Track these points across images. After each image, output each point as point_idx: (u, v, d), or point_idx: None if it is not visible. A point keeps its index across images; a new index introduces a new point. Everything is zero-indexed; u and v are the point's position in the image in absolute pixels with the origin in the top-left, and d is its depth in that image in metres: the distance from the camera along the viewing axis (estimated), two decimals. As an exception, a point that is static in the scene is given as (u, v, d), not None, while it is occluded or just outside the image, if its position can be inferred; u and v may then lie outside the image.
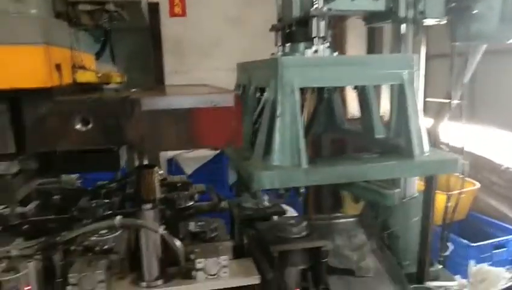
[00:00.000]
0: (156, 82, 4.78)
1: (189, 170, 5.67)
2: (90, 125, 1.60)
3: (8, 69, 1.46)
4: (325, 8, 1.94)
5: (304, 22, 2.07)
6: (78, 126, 1.60)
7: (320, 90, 2.24)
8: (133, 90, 2.02)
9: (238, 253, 2.08)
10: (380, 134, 2.33)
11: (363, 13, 2.38)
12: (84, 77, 1.85)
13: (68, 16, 1.88)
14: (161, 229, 1.84)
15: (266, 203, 2.52)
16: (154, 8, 5.67)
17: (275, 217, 2.42)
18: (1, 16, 1.47)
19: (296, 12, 2.10)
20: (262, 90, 2.33)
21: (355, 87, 2.30)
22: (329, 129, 2.60)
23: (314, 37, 1.97)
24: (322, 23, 1.97)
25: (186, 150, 2.61)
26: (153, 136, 1.64)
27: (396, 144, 2.16)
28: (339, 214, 2.90)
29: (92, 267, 1.76)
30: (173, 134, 1.65)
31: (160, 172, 2.71)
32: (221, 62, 5.44)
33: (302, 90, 1.95)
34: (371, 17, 2.45)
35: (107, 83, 2.03)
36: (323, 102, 2.28)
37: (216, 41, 6.18)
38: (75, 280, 1.71)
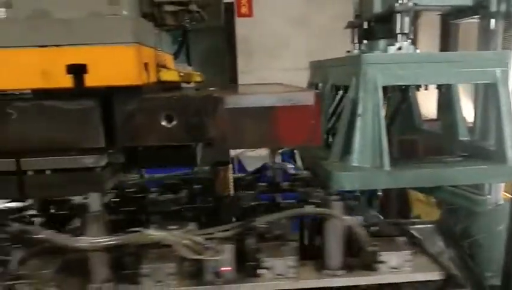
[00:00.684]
0: (230, 82, 4.88)
1: (251, 169, 5.71)
2: (174, 122, 1.65)
3: (102, 67, 1.53)
4: (410, 3, 1.85)
5: (386, 18, 2.00)
6: (164, 123, 1.65)
7: (402, 89, 2.15)
8: (212, 89, 2.05)
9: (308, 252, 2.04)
10: (463, 136, 2.20)
11: (449, 8, 2.25)
12: (167, 75, 1.91)
13: (153, 16, 1.95)
14: (349, 219, 1.87)
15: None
16: (228, 8, 5.71)
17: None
18: (96, 17, 1.55)
19: (377, 8, 2.03)
20: (337, 89, 2.29)
21: (439, 86, 2.18)
22: (408, 130, 2.49)
23: (398, 34, 1.89)
24: (407, 19, 1.88)
25: (266, 148, 2.63)
26: (234, 133, 1.66)
27: (483, 147, 2.02)
28: (414, 220, 2.77)
29: (282, 253, 1.82)
30: (253, 132, 1.66)
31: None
32: (288, 61, 5.45)
33: (384, 89, 1.88)
34: (456, 13, 2.30)
35: (188, 82, 2.08)
36: (405, 101, 2.18)
37: (282, 41, 6.20)
38: (268, 264, 1.79)
